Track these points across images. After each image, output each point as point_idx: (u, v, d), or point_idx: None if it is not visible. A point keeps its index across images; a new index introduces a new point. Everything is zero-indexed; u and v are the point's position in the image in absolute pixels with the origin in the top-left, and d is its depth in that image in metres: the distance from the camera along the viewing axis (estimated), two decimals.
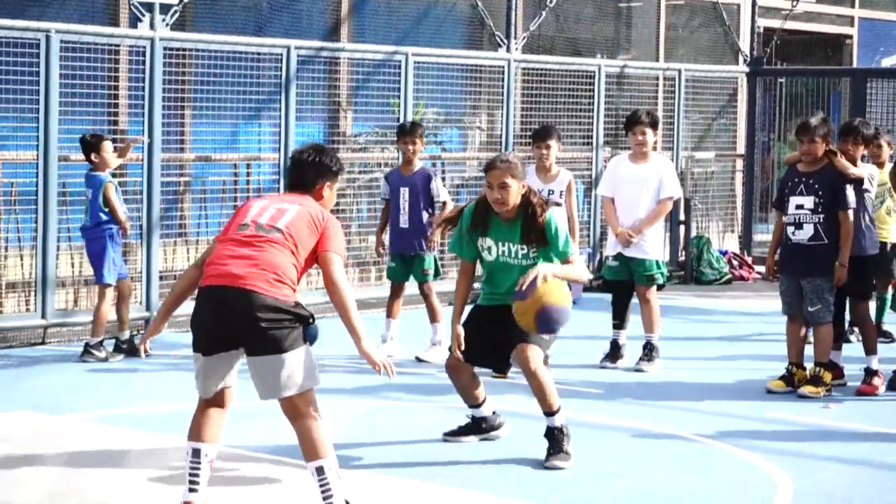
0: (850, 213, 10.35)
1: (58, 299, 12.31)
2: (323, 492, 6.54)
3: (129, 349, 11.53)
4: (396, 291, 11.95)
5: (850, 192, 10.37)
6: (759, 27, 19.43)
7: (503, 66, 15.84)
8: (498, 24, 16.18)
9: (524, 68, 16.14)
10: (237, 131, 14.14)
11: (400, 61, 14.68)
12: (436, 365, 11.25)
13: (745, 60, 19.20)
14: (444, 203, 11.82)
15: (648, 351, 11.51)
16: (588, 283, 11.93)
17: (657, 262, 11.56)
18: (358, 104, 15.19)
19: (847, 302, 10.88)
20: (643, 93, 17.63)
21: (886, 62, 22.62)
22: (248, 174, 14.09)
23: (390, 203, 12.01)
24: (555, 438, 8.08)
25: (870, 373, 10.64)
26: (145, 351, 7.18)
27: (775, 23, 19.98)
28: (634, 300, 11.58)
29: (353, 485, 7.67)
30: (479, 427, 8.68)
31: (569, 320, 8.11)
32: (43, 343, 12.27)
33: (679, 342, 12.45)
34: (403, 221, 11.82)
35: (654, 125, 11.73)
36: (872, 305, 11.57)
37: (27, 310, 12.22)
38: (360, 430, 9.23)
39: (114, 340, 11.70)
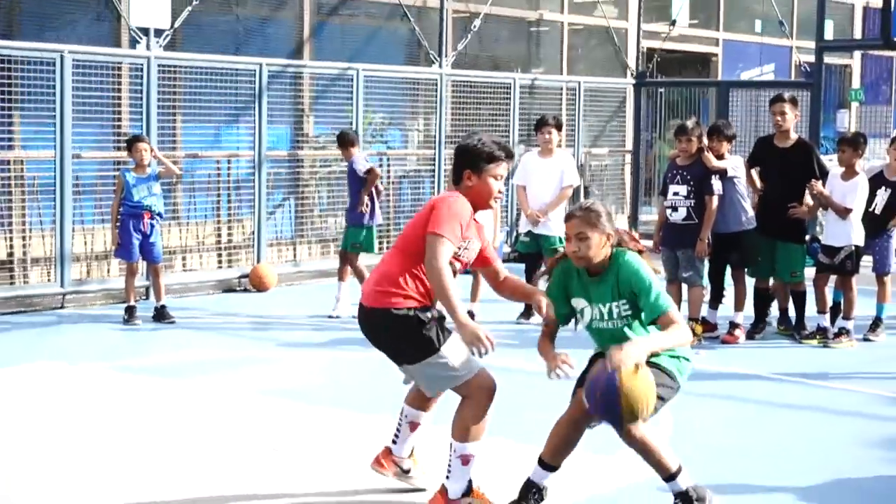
0: (715, 198, 10.51)
1: (73, 271, 12.27)
2: (448, 467, 5.72)
3: (128, 316, 11.36)
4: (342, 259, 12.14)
5: (714, 181, 10.53)
6: (643, 47, 19.53)
7: (436, 79, 15.88)
8: (432, 45, 16.21)
9: (453, 81, 16.18)
10: (219, 133, 14.10)
11: (352, 75, 14.70)
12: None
13: (632, 74, 19.32)
14: (370, 169, 11.91)
15: None
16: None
17: (560, 237, 11.67)
18: (318, 110, 15.18)
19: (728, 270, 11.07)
20: (550, 101, 17.71)
21: (745, 75, 22.84)
22: (228, 168, 14.07)
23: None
24: None
25: (733, 325, 10.82)
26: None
27: (656, 43, 20.11)
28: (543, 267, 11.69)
29: (315, 419, 7.75)
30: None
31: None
32: (62, 307, 12.21)
33: None
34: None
35: (558, 127, 11.84)
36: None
37: (48, 280, 12.18)
38: (322, 378, 9.29)
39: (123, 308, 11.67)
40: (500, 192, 5.76)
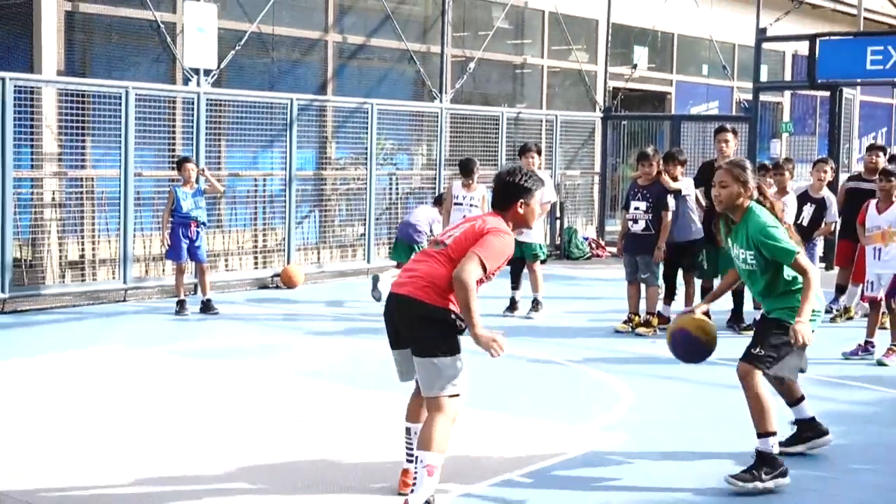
0: (669, 213, 10.48)
1: (134, 270, 12.23)
2: (413, 479, 5.23)
3: (179, 308, 11.35)
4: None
5: (669, 199, 10.50)
6: (609, 86, 19.55)
7: (437, 112, 15.86)
8: (434, 84, 16.20)
9: (452, 114, 16.17)
10: (257, 156, 14.08)
11: (367, 109, 14.68)
12: None
13: (599, 109, 19.33)
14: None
15: (535, 304, 11.60)
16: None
17: (539, 244, 11.65)
18: (339, 138, 15.16)
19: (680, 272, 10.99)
20: (532, 130, 17.70)
21: (694, 111, 22.84)
22: (264, 185, 14.05)
23: None
24: (756, 460, 5.82)
25: None
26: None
27: (620, 83, 20.12)
28: (525, 270, 11.67)
29: (335, 395, 7.71)
30: (802, 431, 6.40)
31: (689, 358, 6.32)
32: (124, 300, 12.18)
33: (556, 299, 12.55)
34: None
35: (539, 152, 11.80)
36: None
37: (113, 277, 12.14)
38: (342, 361, 9.25)
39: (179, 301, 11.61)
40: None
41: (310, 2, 15.47)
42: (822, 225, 11.28)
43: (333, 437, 6.61)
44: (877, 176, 9.94)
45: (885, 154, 11.83)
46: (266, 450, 6.30)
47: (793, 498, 5.68)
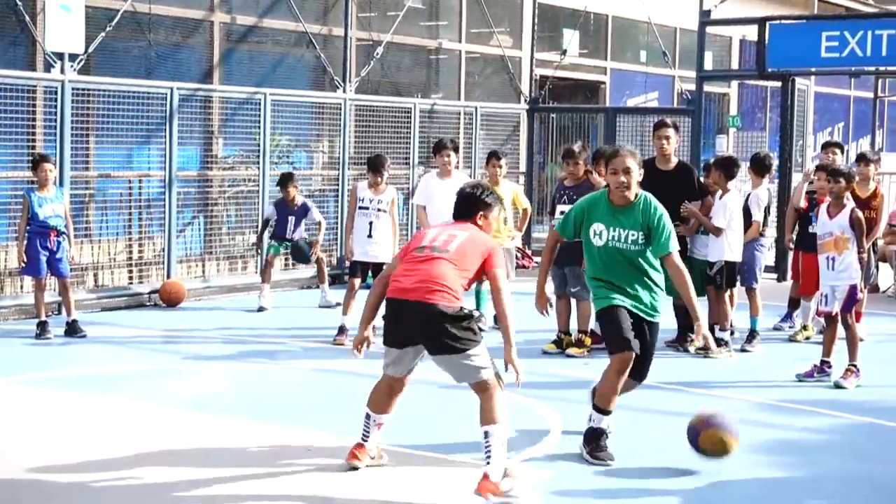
0: None
1: None
2: (486, 452, 6.28)
3: (40, 331, 11.17)
4: None
5: None
6: (536, 75, 19.70)
7: (340, 104, 15.85)
8: (336, 71, 16.19)
9: (357, 105, 16.15)
10: (131, 153, 13.93)
11: (260, 99, 14.62)
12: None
13: (525, 100, 19.48)
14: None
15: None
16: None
17: None
18: (227, 133, 15.07)
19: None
20: (448, 124, 17.77)
21: (631, 102, 23.13)
22: (140, 188, 13.91)
23: None
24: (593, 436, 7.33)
25: None
26: (359, 352, 6.71)
27: (548, 71, 20.30)
28: None
29: (219, 429, 7.65)
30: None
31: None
32: None
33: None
34: None
35: (455, 149, 11.89)
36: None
37: None
38: (228, 389, 9.18)
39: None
40: None
41: None
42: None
43: (213, 475, 6.56)
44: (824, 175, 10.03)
45: (842, 151, 12.05)
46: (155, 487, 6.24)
47: None
